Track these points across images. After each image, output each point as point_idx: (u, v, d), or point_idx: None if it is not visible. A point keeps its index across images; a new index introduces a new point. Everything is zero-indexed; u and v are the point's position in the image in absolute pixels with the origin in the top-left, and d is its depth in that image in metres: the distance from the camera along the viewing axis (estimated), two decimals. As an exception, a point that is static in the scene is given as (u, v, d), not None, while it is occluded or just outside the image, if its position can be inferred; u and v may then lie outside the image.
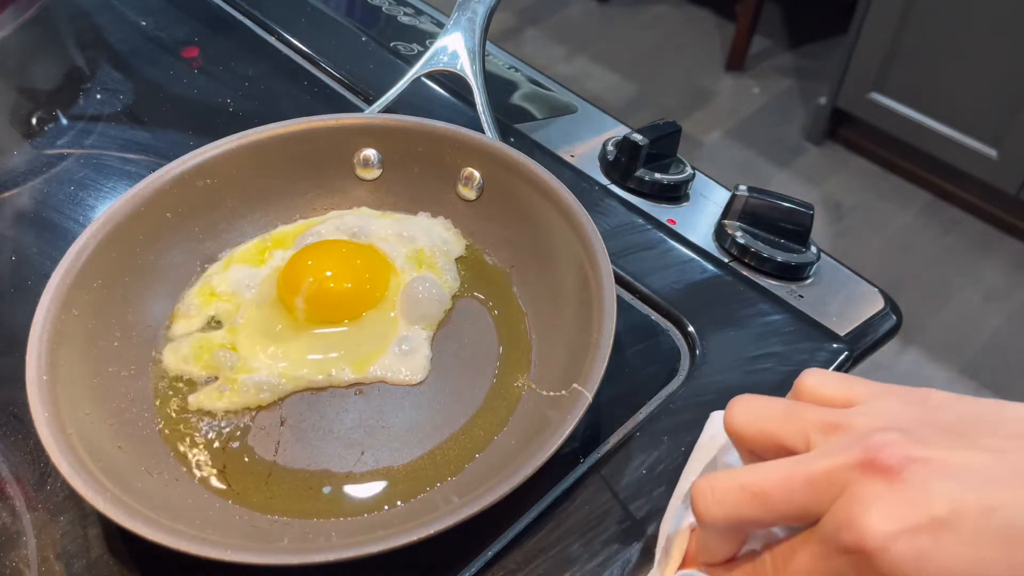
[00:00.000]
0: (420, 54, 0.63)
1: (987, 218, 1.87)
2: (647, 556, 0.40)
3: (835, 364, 0.50)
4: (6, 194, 0.59)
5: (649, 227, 0.58)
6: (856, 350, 0.51)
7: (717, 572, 0.36)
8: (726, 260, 0.56)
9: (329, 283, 0.49)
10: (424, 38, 0.74)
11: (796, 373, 0.48)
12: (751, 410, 0.35)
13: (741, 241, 0.56)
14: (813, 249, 0.57)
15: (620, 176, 0.61)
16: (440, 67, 0.60)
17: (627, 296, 0.53)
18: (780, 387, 0.48)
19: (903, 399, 0.33)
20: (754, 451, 0.35)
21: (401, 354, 0.48)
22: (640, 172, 0.60)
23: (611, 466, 0.44)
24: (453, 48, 0.60)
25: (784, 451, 0.33)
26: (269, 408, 0.46)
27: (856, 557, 0.29)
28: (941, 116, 1.77)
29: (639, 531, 0.41)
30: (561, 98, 0.70)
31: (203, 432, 0.45)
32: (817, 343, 0.51)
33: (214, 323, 0.49)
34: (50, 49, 0.73)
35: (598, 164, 0.62)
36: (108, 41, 0.72)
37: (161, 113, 0.65)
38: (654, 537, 0.41)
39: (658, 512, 0.42)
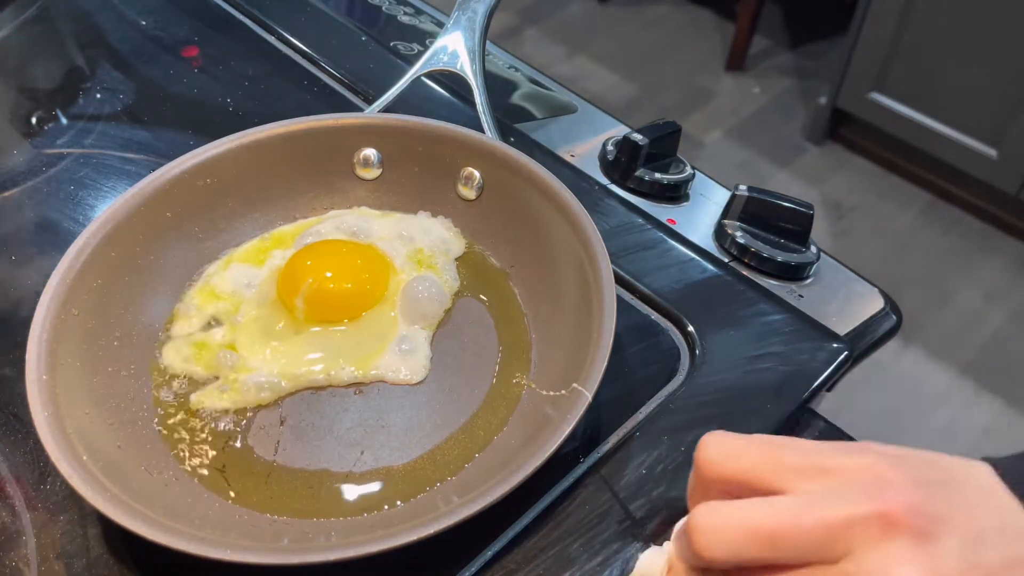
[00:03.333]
0: (420, 54, 0.62)
1: (987, 218, 1.87)
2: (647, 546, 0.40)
3: (835, 364, 0.50)
4: (6, 194, 0.59)
5: (649, 227, 0.58)
6: (856, 350, 0.51)
7: None
8: (726, 260, 0.56)
9: (329, 283, 0.49)
10: (424, 38, 0.74)
11: (796, 373, 0.49)
12: (725, 447, 0.35)
13: (741, 241, 0.56)
14: (813, 249, 0.57)
15: (620, 176, 0.61)
16: (440, 67, 0.60)
17: (627, 296, 0.53)
18: (780, 387, 0.48)
19: (845, 449, 0.34)
20: (728, 491, 0.34)
21: (401, 354, 0.48)
22: (640, 172, 0.60)
23: (611, 466, 0.44)
24: (453, 48, 0.60)
25: (760, 492, 0.33)
26: (269, 408, 0.46)
27: None
28: (941, 116, 1.77)
29: (639, 531, 0.41)
30: (561, 98, 0.70)
31: (203, 432, 0.45)
32: (817, 343, 0.51)
33: (214, 323, 0.49)
34: (50, 49, 0.73)
35: (598, 164, 0.62)
36: (108, 41, 0.72)
37: (161, 113, 0.65)
38: (654, 537, 0.41)
39: (658, 512, 0.42)
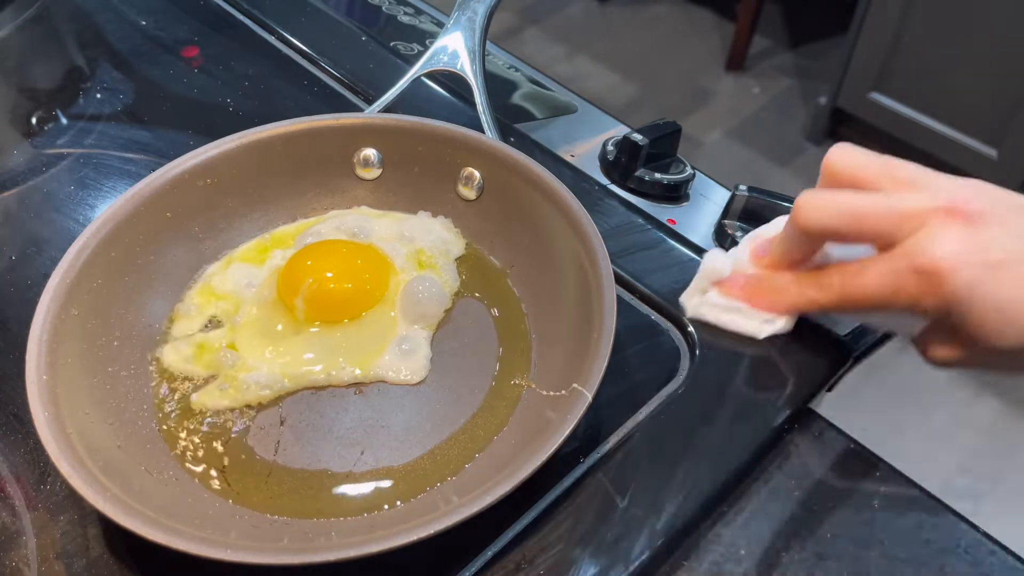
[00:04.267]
0: (420, 54, 0.62)
1: (987, 218, 1.87)
2: (647, 555, 0.40)
3: (835, 364, 0.50)
4: (6, 194, 0.59)
5: (649, 227, 0.58)
6: (856, 350, 0.51)
7: (784, 271, 0.46)
8: (726, 260, 0.56)
9: (329, 283, 0.49)
10: (424, 38, 0.74)
11: (796, 373, 0.49)
12: (853, 152, 0.42)
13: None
14: (813, 249, 0.57)
15: (620, 176, 0.61)
16: (440, 67, 0.60)
17: (627, 296, 0.53)
18: (780, 387, 0.48)
19: (950, 177, 0.41)
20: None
21: (401, 354, 0.48)
22: (640, 172, 0.60)
23: (611, 466, 0.44)
24: (453, 48, 0.60)
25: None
26: (269, 408, 0.46)
27: (926, 276, 0.38)
28: (941, 116, 1.77)
29: (639, 531, 0.41)
30: (561, 98, 0.70)
31: (203, 432, 0.45)
32: (817, 343, 0.50)
33: (214, 323, 0.49)
34: (50, 49, 0.73)
35: (598, 164, 0.62)
36: (108, 41, 0.72)
37: (161, 113, 0.65)
38: (654, 537, 0.41)
39: (658, 512, 0.42)
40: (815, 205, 0.41)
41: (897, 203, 0.39)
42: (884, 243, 0.40)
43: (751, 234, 0.50)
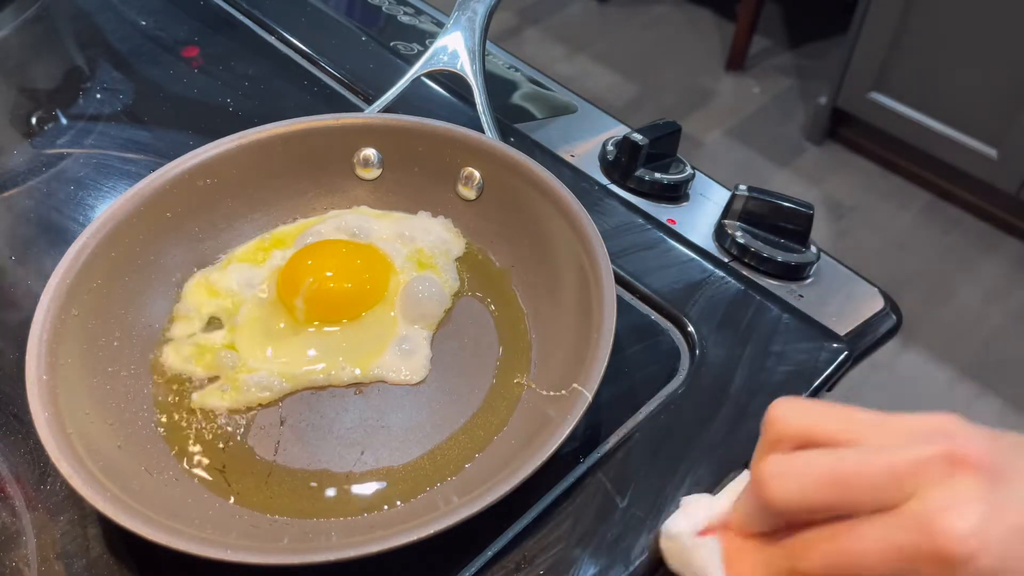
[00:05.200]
0: (420, 54, 0.62)
1: (987, 218, 1.87)
2: (647, 555, 0.40)
3: (835, 364, 0.50)
4: (6, 194, 0.59)
5: (649, 227, 0.58)
6: (856, 350, 0.51)
7: (754, 541, 0.36)
8: (726, 260, 0.56)
9: (329, 283, 0.49)
10: (424, 38, 0.74)
11: (796, 373, 0.49)
12: (796, 406, 0.35)
13: (741, 241, 0.56)
14: (813, 249, 0.57)
15: (620, 176, 0.61)
16: (440, 67, 0.60)
17: (627, 296, 0.53)
18: (780, 387, 0.48)
19: (914, 413, 0.34)
20: (795, 449, 0.34)
21: (401, 354, 0.48)
22: (640, 172, 0.60)
23: (611, 466, 0.44)
24: (453, 48, 0.60)
25: (828, 447, 0.33)
26: (269, 408, 0.46)
27: (946, 560, 0.29)
28: (941, 116, 1.77)
29: (639, 531, 0.41)
30: (561, 98, 0.70)
31: (203, 432, 0.45)
32: (817, 343, 0.50)
33: (214, 323, 0.49)
34: (50, 49, 0.73)
35: (598, 164, 0.62)
36: (108, 41, 0.72)
37: (161, 113, 0.65)
38: (653, 536, 0.41)
39: (658, 512, 0.42)
40: (785, 475, 0.32)
41: (888, 457, 0.31)
42: (884, 508, 0.31)
43: (731, 487, 0.40)
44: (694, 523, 0.38)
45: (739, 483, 0.39)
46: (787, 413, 0.35)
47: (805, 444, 0.34)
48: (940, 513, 0.30)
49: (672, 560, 0.39)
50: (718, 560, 0.36)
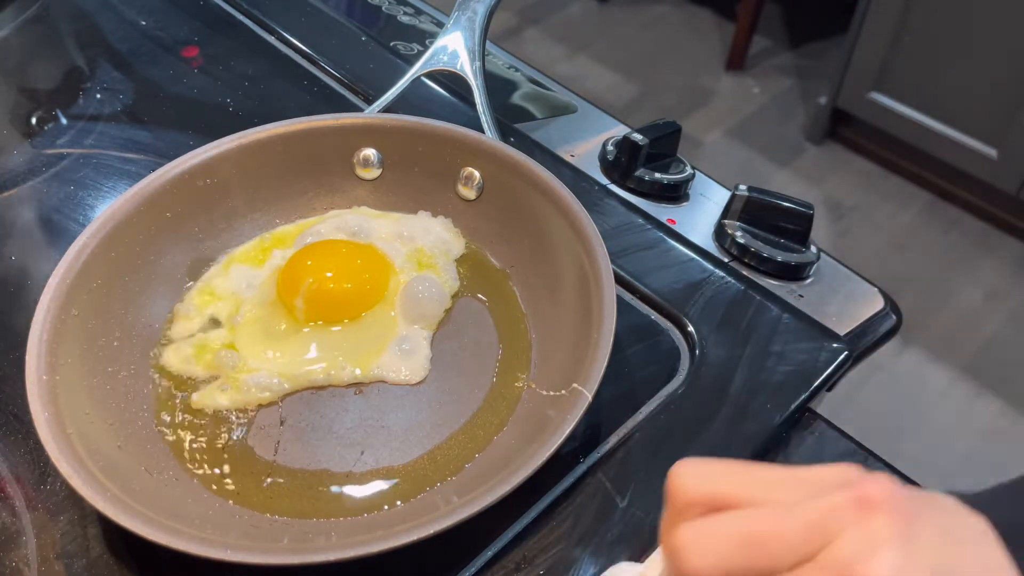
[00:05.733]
0: (420, 54, 0.62)
1: (987, 218, 1.87)
2: (647, 555, 0.40)
3: (835, 364, 0.50)
4: (6, 194, 0.59)
5: (649, 227, 0.58)
6: (856, 350, 0.51)
7: None
8: (726, 260, 0.56)
9: (329, 283, 0.49)
10: (424, 38, 0.74)
11: (796, 373, 0.49)
12: (698, 470, 0.34)
13: (741, 241, 0.56)
14: (813, 249, 0.57)
15: (620, 176, 0.61)
16: (440, 67, 0.60)
17: (627, 296, 0.53)
18: (780, 387, 0.48)
19: (818, 466, 0.33)
20: (703, 515, 0.33)
21: (401, 354, 0.48)
22: (640, 172, 0.60)
23: (611, 466, 0.44)
24: (453, 48, 0.60)
25: (737, 508, 0.33)
26: (269, 408, 0.46)
27: None
28: (941, 116, 1.77)
29: (638, 531, 0.41)
30: (561, 98, 0.70)
31: (203, 432, 0.45)
32: (817, 343, 0.50)
33: (214, 323, 0.49)
34: (50, 49, 0.73)
35: (598, 164, 0.62)
36: (108, 41, 0.72)
37: (161, 113, 0.65)
38: (654, 536, 0.41)
39: (658, 512, 0.42)
40: (699, 543, 0.32)
41: (800, 510, 0.31)
42: (795, 563, 0.31)
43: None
44: None
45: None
46: (689, 480, 0.34)
47: (713, 508, 0.33)
48: (858, 558, 0.30)
49: None
50: None
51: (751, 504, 0.33)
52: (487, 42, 0.61)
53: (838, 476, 0.32)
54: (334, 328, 0.49)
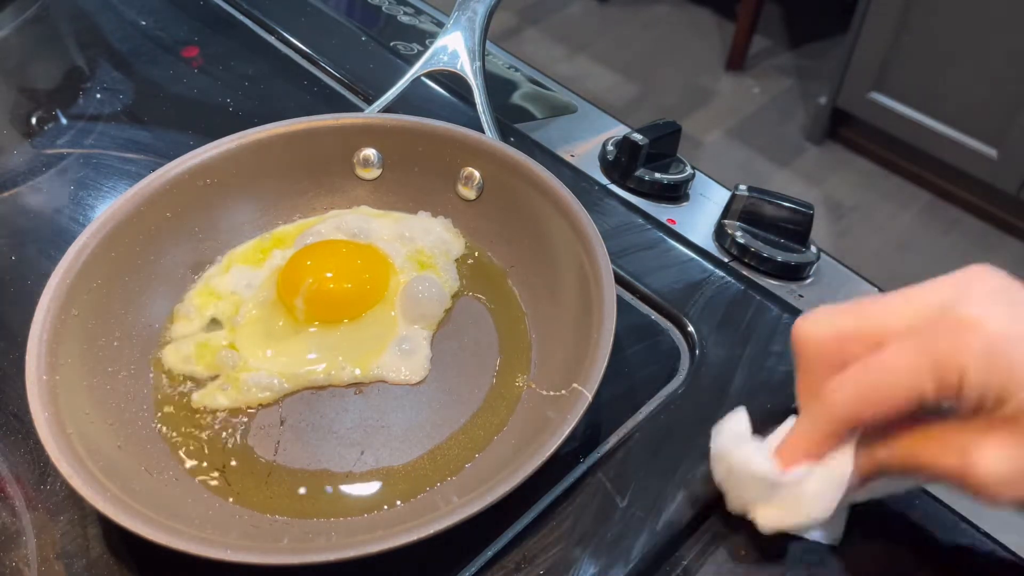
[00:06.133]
0: (420, 54, 0.62)
1: (987, 218, 1.87)
2: (647, 555, 0.40)
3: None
4: (6, 194, 0.59)
5: (649, 227, 0.58)
6: (856, 350, 0.51)
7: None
8: (726, 260, 0.56)
9: (329, 283, 0.49)
10: (424, 38, 0.74)
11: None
12: (816, 319, 0.37)
13: (741, 241, 0.56)
14: (813, 249, 0.57)
15: (620, 176, 0.61)
16: (440, 67, 0.60)
17: (627, 296, 0.53)
18: (781, 388, 0.48)
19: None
20: (832, 366, 0.36)
21: (401, 354, 0.48)
22: (640, 172, 0.60)
23: (611, 466, 0.44)
24: (453, 48, 0.60)
25: (863, 349, 0.35)
26: (269, 408, 0.46)
27: (961, 333, 0.33)
28: (941, 116, 1.77)
29: (639, 531, 0.41)
30: (561, 98, 0.70)
31: (203, 432, 0.45)
32: (817, 343, 0.50)
33: (214, 323, 0.49)
34: (50, 49, 0.73)
35: (598, 164, 0.62)
36: (108, 41, 0.72)
37: (161, 113, 0.65)
38: (654, 536, 0.41)
39: (658, 512, 0.42)
40: (846, 386, 0.34)
41: (923, 346, 0.33)
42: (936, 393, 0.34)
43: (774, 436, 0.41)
44: (739, 431, 0.40)
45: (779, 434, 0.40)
46: (813, 330, 0.37)
47: (840, 355, 0.36)
48: (958, 302, 0.34)
49: (718, 465, 0.41)
50: (766, 448, 0.39)
51: (875, 339, 0.35)
52: (487, 42, 0.61)
53: (943, 283, 0.36)
54: (334, 328, 0.49)
